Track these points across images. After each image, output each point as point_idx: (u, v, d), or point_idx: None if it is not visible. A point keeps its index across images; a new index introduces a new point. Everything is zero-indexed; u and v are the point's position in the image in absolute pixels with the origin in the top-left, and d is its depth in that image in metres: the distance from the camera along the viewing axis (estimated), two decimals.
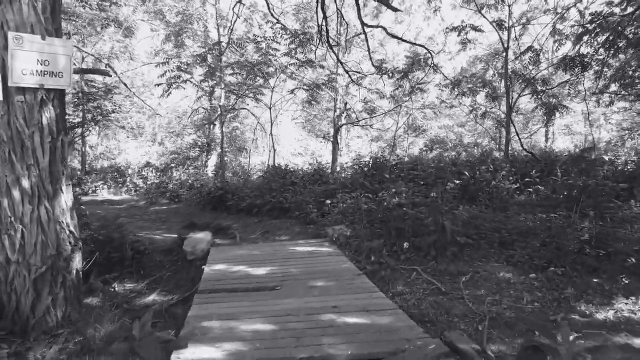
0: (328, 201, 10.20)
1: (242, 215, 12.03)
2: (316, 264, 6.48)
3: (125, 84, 16.20)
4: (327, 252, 7.26)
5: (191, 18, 17.25)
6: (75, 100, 13.97)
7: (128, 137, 27.07)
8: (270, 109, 13.28)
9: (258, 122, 21.51)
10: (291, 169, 14.92)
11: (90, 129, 15.87)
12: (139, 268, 7.50)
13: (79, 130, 15.08)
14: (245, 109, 21.70)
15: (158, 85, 12.53)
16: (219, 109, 22.60)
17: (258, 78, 13.75)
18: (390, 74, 13.46)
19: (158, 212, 13.95)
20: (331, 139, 22.09)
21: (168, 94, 12.30)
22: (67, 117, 14.10)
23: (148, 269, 7.57)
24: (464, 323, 4.58)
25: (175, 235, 9.07)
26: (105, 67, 18.34)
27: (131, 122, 31.42)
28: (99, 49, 20.62)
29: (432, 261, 6.46)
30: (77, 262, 4.40)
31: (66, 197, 4.16)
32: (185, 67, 12.38)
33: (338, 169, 17.29)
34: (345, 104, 16.79)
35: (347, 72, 12.68)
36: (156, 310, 6.01)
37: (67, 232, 4.19)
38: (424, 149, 17.64)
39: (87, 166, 21.48)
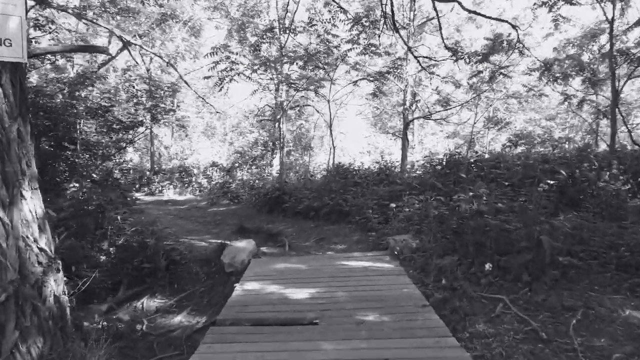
0: (393, 205, 8.81)
1: (298, 219, 10.98)
2: (371, 286, 5.18)
3: (186, 82, 15.92)
4: (386, 269, 5.92)
5: (253, 11, 16.57)
6: (134, 99, 13.77)
7: (180, 135, 27.18)
8: (329, 102, 12.08)
9: (323, 119, 20.50)
10: (355, 168, 13.65)
11: (152, 127, 15.68)
12: (173, 280, 6.66)
13: (141, 130, 14.92)
14: (309, 105, 20.75)
15: (206, 78, 11.83)
16: (283, 105, 21.96)
17: (319, 70, 12.65)
18: (468, 59, 11.72)
19: (216, 213, 13.32)
20: (401, 136, 20.51)
21: (221, 88, 11.59)
22: (129, 117, 13.89)
23: (183, 282, 6.70)
24: None
25: (220, 241, 8.19)
26: (164, 65, 18.26)
27: (202, 123, 31.87)
28: (164, 48, 20.74)
29: (525, 289, 4.88)
30: (54, 285, 3.49)
31: (31, 205, 3.24)
32: (235, 56, 11.58)
33: (408, 167, 15.75)
34: (414, 95, 15.19)
35: (416, 58, 11.19)
36: (177, 338, 5.08)
37: (35, 249, 3.28)
38: (508, 144, 15.53)
39: (156, 166, 21.73)
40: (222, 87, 11.44)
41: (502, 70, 12.11)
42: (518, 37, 10.41)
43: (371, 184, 11.70)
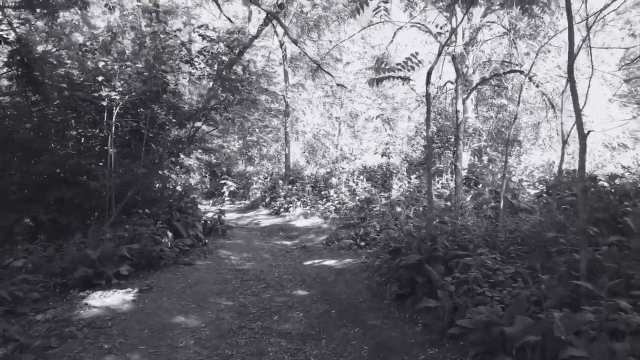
0: None
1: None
2: None
3: (302, 50, 9.90)
4: None
5: None
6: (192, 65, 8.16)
7: (353, 131, 21.40)
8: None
9: (540, 90, 11.97)
10: (621, 186, 5.29)
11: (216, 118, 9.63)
12: None
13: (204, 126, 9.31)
14: (515, 71, 12.67)
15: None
16: (473, 80, 14.12)
17: None
18: None
19: (304, 279, 6.81)
20: None
21: None
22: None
23: None
24: None
25: None
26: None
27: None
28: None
29: None
30: None
31: None
32: None
33: None
34: None
35: None
36: None
37: None
38: None
39: (291, 174, 16.27)
40: None
41: None
42: None
43: None
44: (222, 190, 18.41)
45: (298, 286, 6.37)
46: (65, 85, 7.85)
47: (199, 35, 7.70)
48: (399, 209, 8.44)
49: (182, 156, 12.28)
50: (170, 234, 7.50)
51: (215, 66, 7.80)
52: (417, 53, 4.94)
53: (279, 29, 15.20)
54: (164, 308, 5.30)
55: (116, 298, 5.59)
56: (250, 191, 17.75)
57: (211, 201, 18.35)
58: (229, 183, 18.19)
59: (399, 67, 5.05)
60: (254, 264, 7.85)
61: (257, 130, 19.83)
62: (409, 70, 5.10)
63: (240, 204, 17.45)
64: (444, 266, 4.76)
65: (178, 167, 10.02)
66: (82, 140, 8.32)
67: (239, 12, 23.53)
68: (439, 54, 5.35)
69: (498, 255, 4.85)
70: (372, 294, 5.59)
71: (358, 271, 6.64)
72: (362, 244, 8.20)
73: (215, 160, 19.70)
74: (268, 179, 17.39)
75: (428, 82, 5.13)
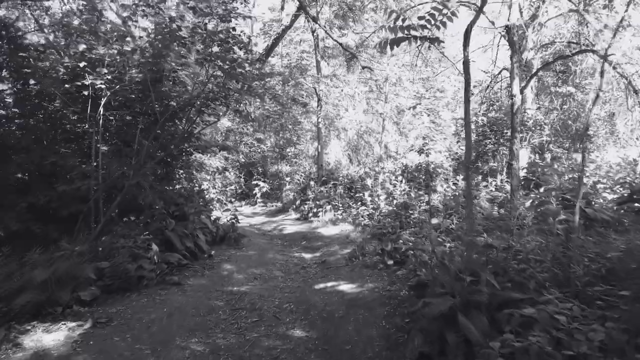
0: None
1: None
2: None
3: (327, 32, 8.37)
4: None
5: None
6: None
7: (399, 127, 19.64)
8: None
9: (616, 72, 9.77)
10: None
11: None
12: None
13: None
14: (590, 50, 10.86)
15: None
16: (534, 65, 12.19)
17: None
18: None
19: (304, 315, 5.37)
20: None
21: None
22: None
23: None
24: None
25: None
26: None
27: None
28: None
29: None
30: None
31: None
32: None
33: None
34: None
35: None
36: None
37: None
38: None
39: (325, 172, 14.77)
40: None
41: None
42: None
43: None
44: (254, 192, 17.30)
45: (297, 322, 4.91)
46: (52, 75, 6.91)
47: (189, 7, 6.48)
48: (435, 220, 6.76)
49: (201, 155, 11.19)
50: (155, 247, 6.26)
51: (212, 46, 6.54)
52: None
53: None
54: (107, 354, 4.02)
55: (59, 335, 4.39)
56: (283, 193, 16.50)
57: (243, 202, 17.38)
58: (261, 184, 17.03)
59: (422, 24, 3.47)
60: (256, 285, 6.48)
61: (290, 126, 18.55)
62: (437, 28, 3.51)
63: (272, 206, 16.23)
64: (488, 318, 3.14)
65: (183, 166, 8.84)
66: (62, 137, 7.30)
67: (276, 3, 22.49)
68: (480, 9, 3.72)
69: (574, 301, 3.17)
70: (387, 344, 4.03)
71: (376, 304, 5.06)
72: (391, 262, 6.60)
73: (243, 160, 18.60)
74: (302, 179, 16.05)
75: (466, 43, 3.52)
